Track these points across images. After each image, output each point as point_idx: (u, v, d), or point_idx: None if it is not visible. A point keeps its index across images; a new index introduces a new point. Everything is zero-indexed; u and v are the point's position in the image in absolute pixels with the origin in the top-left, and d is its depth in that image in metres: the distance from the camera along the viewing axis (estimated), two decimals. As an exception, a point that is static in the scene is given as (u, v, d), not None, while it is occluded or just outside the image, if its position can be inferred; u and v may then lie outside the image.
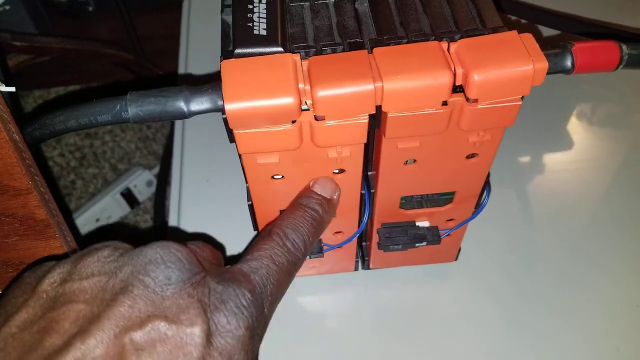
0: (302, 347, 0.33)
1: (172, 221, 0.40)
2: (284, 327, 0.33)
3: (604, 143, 0.43)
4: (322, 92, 0.21)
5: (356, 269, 0.35)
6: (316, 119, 0.22)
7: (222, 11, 0.24)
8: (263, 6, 0.24)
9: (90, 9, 0.80)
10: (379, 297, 0.35)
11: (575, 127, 0.44)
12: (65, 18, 0.81)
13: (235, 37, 0.23)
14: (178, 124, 0.47)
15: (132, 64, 0.71)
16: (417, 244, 0.30)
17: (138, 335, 0.18)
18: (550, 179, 0.41)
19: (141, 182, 0.75)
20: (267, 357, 0.32)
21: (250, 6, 0.24)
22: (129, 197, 0.75)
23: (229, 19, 0.24)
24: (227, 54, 0.23)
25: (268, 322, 0.22)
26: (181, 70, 0.49)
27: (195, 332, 0.19)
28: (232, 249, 0.37)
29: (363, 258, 0.35)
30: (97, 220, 0.74)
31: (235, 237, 0.37)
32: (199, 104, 0.21)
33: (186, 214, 0.40)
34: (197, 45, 0.51)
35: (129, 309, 0.19)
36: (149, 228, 0.77)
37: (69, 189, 0.80)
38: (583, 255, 0.36)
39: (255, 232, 0.30)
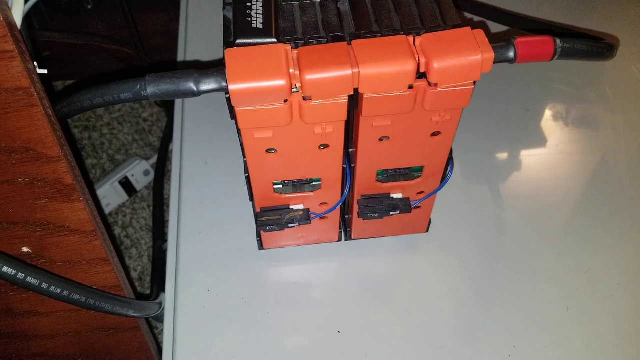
0: (291, 314, 0.37)
1: (174, 199, 0.44)
2: (273, 296, 0.37)
3: (581, 143, 0.47)
4: (310, 76, 0.25)
5: (340, 239, 0.40)
6: (304, 99, 0.26)
7: (224, 8, 0.29)
8: (260, 4, 0.28)
9: (89, 7, 0.84)
10: (359, 265, 0.39)
11: (551, 126, 0.48)
12: (64, 15, 0.85)
13: (236, 30, 0.27)
14: (177, 113, 0.51)
15: (132, 59, 0.75)
16: (391, 213, 0.34)
17: None
18: (523, 167, 0.45)
19: (139, 172, 0.79)
20: (255, 325, 0.36)
21: (249, 4, 0.28)
22: (127, 185, 0.78)
23: (229, 15, 0.28)
24: (229, 44, 0.27)
25: None
26: (180, 60, 0.54)
27: None
28: (230, 223, 0.41)
29: (346, 229, 0.39)
30: (96, 207, 0.77)
31: (232, 211, 0.42)
32: (206, 84, 0.25)
33: (186, 192, 0.44)
34: (195, 39, 0.55)
35: None
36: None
37: (68, 178, 0.84)
38: (541, 231, 0.41)
39: (251, 202, 0.34)
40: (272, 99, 0.26)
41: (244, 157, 0.31)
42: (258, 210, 0.35)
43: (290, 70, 0.25)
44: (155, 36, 0.88)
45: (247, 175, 0.32)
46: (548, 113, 0.49)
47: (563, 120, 0.48)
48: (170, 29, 0.85)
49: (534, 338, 0.36)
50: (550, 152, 0.46)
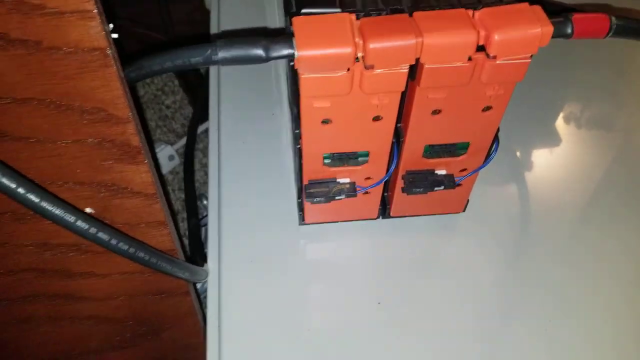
0: (330, 287, 0.38)
1: (213, 175, 0.45)
2: (313, 270, 0.38)
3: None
4: (374, 45, 0.26)
5: (378, 216, 0.41)
6: (366, 67, 0.27)
7: (285, -19, 0.29)
8: (322, -23, 0.29)
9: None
10: (397, 242, 0.40)
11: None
12: None
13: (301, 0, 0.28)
14: (213, 93, 0.51)
15: (158, 45, 0.76)
16: (435, 188, 0.35)
17: None
18: (568, 148, 0.46)
19: (163, 156, 0.80)
20: (296, 297, 0.37)
21: (312, -24, 0.29)
22: (152, 169, 0.79)
23: (290, -13, 0.29)
24: (291, 14, 0.28)
25: None
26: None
27: None
28: (269, 199, 0.42)
29: (384, 207, 0.40)
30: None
31: (271, 187, 0.43)
32: (276, 51, 0.26)
33: (226, 168, 0.44)
34: (227, 19, 0.56)
35: None
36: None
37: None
38: (583, 215, 0.42)
39: (296, 176, 0.35)
40: (337, 66, 0.26)
41: (296, 129, 0.32)
42: (306, 182, 0.35)
43: (355, 40, 0.26)
44: (180, 24, 0.89)
45: (298, 147, 0.33)
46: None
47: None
48: (194, 19, 0.87)
49: (571, 314, 0.37)
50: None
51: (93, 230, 0.26)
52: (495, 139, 0.34)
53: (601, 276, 0.38)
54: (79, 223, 0.25)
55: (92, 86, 0.26)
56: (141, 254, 0.28)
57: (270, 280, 0.38)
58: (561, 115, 0.49)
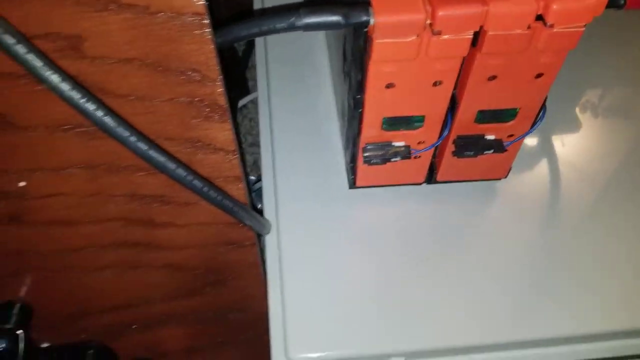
0: (380, 247, 0.41)
1: (265, 142, 0.48)
2: (366, 230, 0.41)
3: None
4: (443, 12, 0.29)
5: (424, 181, 0.43)
6: (434, 33, 0.30)
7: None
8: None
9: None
10: (440, 207, 0.43)
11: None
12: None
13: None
14: (261, 67, 0.54)
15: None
16: (485, 152, 0.38)
17: None
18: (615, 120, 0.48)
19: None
20: (350, 256, 0.40)
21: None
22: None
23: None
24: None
25: None
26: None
27: None
28: (320, 164, 0.45)
29: (431, 172, 0.43)
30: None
31: (321, 154, 0.45)
32: (354, 17, 0.29)
33: (278, 136, 0.47)
34: None
35: None
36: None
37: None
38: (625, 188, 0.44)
39: (350, 140, 0.38)
40: (409, 32, 0.29)
41: (357, 94, 0.35)
42: (363, 145, 0.38)
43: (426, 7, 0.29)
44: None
45: (359, 110, 0.36)
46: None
47: None
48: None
49: (614, 289, 0.39)
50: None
51: (189, 177, 0.29)
52: (543, 106, 0.37)
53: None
54: (179, 171, 0.28)
55: (189, 49, 0.29)
56: (227, 202, 0.31)
57: (323, 239, 0.41)
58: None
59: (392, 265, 0.40)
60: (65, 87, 0.24)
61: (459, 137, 0.38)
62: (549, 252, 0.41)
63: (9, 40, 0.23)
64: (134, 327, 0.43)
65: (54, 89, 0.24)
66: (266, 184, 0.45)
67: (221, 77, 0.30)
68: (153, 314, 0.43)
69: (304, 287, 0.38)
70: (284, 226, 0.41)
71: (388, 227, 0.42)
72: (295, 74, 0.52)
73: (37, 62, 0.24)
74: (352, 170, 0.42)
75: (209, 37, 0.29)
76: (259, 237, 0.42)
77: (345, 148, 0.44)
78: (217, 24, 0.31)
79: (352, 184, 0.43)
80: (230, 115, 0.32)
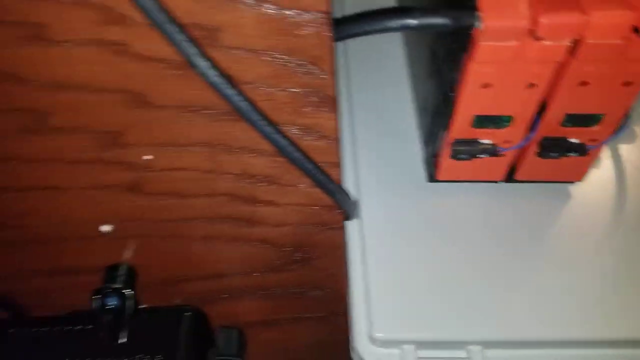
0: (449, 244, 0.43)
1: (346, 137, 0.51)
2: (445, 222, 0.44)
3: None
4: (546, 20, 0.31)
5: (502, 179, 0.46)
6: (535, 39, 0.32)
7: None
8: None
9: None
10: (517, 205, 0.45)
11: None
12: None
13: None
14: (342, 68, 0.57)
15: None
16: (568, 154, 0.40)
17: None
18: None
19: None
20: (409, 250, 0.42)
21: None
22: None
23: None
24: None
25: None
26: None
27: None
28: (399, 158, 0.47)
29: (512, 170, 0.45)
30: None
31: (400, 149, 0.48)
32: (462, 21, 0.32)
33: (360, 132, 0.50)
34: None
35: None
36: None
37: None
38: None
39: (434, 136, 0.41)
40: (513, 37, 0.32)
41: (450, 92, 0.38)
42: (451, 140, 0.41)
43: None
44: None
45: (450, 107, 0.38)
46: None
47: None
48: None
49: None
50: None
51: (304, 160, 0.32)
52: (628, 114, 0.38)
53: None
54: (296, 154, 0.32)
55: (312, 43, 0.32)
56: (330, 185, 0.34)
57: (404, 228, 0.43)
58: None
59: (471, 258, 0.42)
60: (212, 73, 0.28)
61: (545, 139, 0.40)
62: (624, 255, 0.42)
63: (172, 29, 0.27)
64: (224, 296, 0.48)
65: (203, 74, 0.28)
66: (348, 174, 0.48)
67: (333, 70, 0.33)
68: (242, 285, 0.47)
69: (387, 269, 0.41)
70: (366, 213, 0.44)
71: (467, 220, 0.44)
72: (372, 71, 0.55)
73: (191, 49, 0.28)
74: (433, 164, 0.45)
75: (330, 33, 0.32)
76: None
77: (427, 142, 0.46)
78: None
79: (432, 178, 0.46)
80: (336, 105, 0.35)
